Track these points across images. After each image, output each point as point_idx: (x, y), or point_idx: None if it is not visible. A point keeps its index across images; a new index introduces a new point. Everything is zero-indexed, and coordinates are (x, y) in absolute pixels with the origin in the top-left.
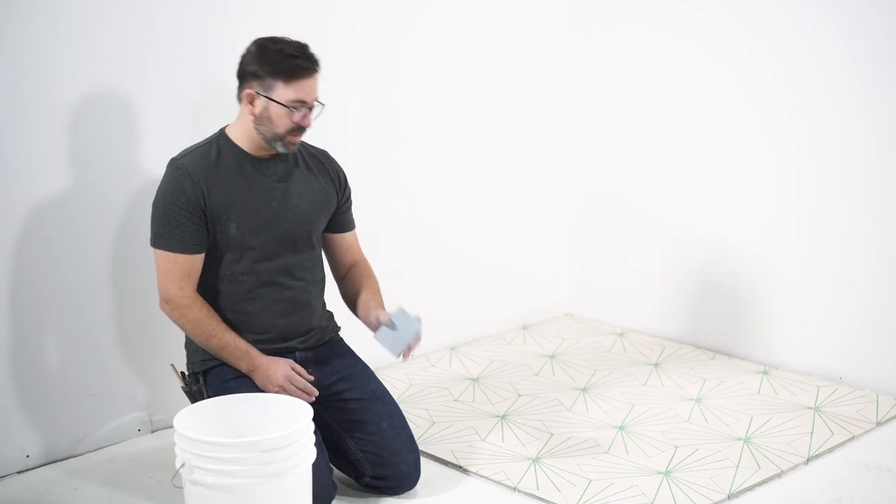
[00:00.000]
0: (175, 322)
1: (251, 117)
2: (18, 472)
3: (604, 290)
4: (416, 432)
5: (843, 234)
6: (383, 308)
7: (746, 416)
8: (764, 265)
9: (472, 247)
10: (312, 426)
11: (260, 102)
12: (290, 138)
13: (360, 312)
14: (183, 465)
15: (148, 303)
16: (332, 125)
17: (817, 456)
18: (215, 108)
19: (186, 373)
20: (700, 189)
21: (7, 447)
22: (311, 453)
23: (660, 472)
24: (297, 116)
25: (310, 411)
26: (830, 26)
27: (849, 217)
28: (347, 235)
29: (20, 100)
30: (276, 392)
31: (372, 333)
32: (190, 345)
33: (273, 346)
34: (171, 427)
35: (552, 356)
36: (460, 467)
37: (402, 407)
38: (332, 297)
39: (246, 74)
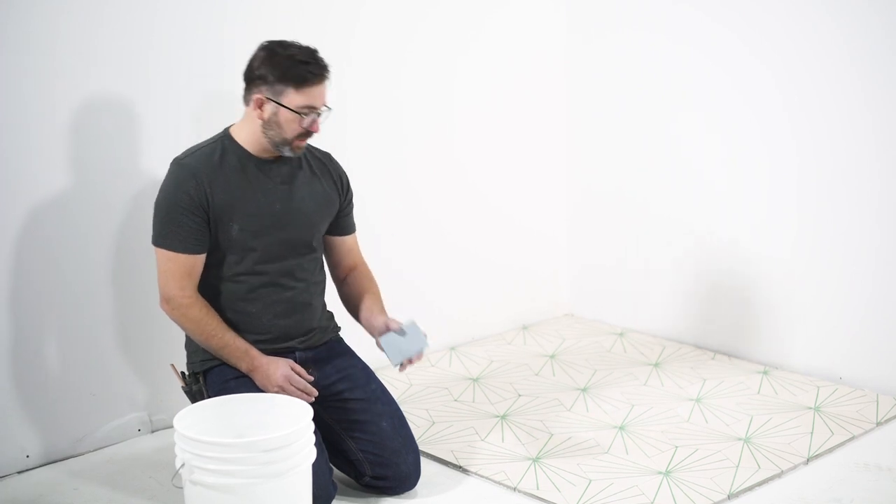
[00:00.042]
0: (175, 321)
1: (259, 121)
2: (18, 472)
3: (604, 290)
4: (416, 432)
5: (843, 234)
6: (386, 315)
7: (746, 416)
8: (764, 265)
9: (472, 247)
10: (312, 426)
11: (269, 107)
12: (297, 143)
13: (362, 315)
14: (183, 465)
15: (148, 303)
16: (332, 125)
17: (817, 456)
18: (215, 108)
19: (186, 373)
20: (700, 189)
21: (7, 447)
22: (311, 453)
23: (660, 472)
24: (306, 122)
25: (310, 411)
26: (830, 26)
27: (849, 217)
28: (348, 238)
29: (20, 100)
30: (276, 392)
31: (373, 337)
32: (190, 345)
33: (273, 346)
34: (171, 427)
35: (552, 356)
36: (460, 467)
37: (402, 407)
38: (333, 298)
39: (254, 78)
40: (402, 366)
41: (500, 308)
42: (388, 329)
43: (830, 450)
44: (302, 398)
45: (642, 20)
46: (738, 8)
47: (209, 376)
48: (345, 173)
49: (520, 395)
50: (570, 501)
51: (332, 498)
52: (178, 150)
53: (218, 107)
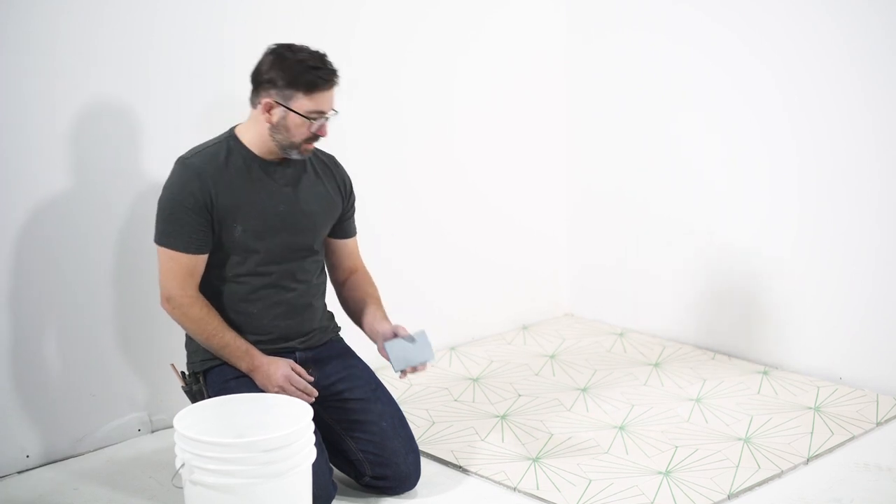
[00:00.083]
0: (176, 320)
1: (267, 125)
2: (18, 472)
3: (604, 290)
4: (416, 432)
5: (843, 234)
6: (390, 321)
7: (746, 416)
8: (764, 265)
9: (472, 247)
10: (312, 426)
11: (278, 112)
12: (305, 146)
13: (366, 320)
14: (183, 465)
15: (148, 303)
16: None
17: (817, 456)
18: (215, 108)
19: (186, 372)
20: (700, 189)
21: (7, 447)
22: (311, 453)
23: (660, 472)
24: (314, 126)
25: (310, 411)
26: (830, 26)
27: (849, 217)
28: (349, 241)
29: (20, 100)
30: (276, 392)
31: (374, 342)
32: (190, 344)
33: (274, 347)
34: (171, 427)
35: (552, 356)
36: (460, 467)
37: (402, 407)
38: (332, 298)
39: (263, 82)
40: (404, 373)
41: (500, 308)
42: (394, 335)
43: (830, 450)
44: (302, 398)
45: (642, 20)
46: (738, 8)
47: (209, 376)
48: (349, 177)
49: (520, 395)
50: (570, 501)
51: (332, 498)
52: (179, 150)
53: (218, 107)
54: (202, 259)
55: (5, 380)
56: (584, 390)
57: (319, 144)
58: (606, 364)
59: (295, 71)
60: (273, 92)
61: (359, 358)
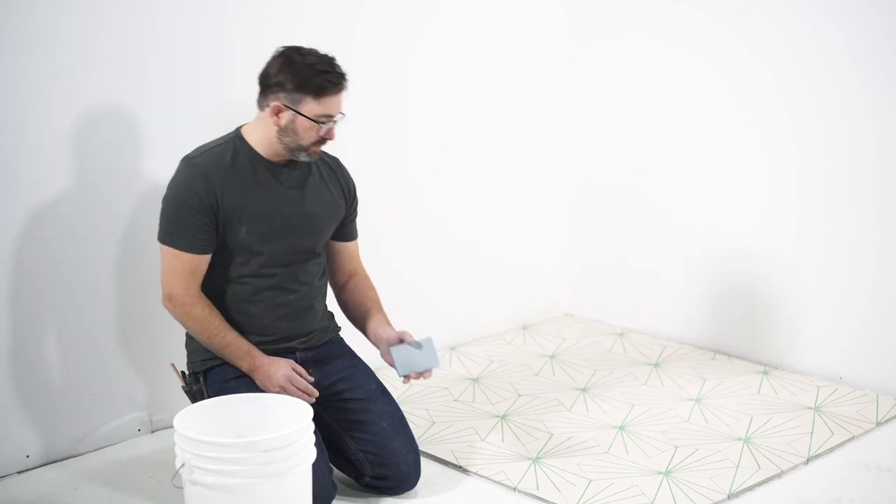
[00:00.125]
0: (177, 319)
1: (275, 128)
2: (18, 472)
3: (604, 290)
4: (416, 432)
5: (843, 235)
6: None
7: (746, 416)
8: (764, 265)
9: (472, 247)
10: (312, 426)
11: (286, 115)
12: (313, 149)
13: (371, 325)
14: (183, 465)
15: (148, 303)
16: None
17: (817, 456)
18: (216, 108)
19: (186, 372)
20: (700, 189)
21: (7, 447)
22: (311, 453)
23: (660, 472)
24: (323, 130)
25: (310, 411)
26: (830, 26)
27: (849, 217)
28: (350, 245)
29: (20, 100)
30: (277, 392)
31: (376, 346)
32: (190, 344)
33: (275, 347)
34: (171, 427)
35: (552, 356)
36: (460, 467)
37: (402, 407)
38: (332, 299)
39: (271, 85)
40: (408, 378)
41: (500, 308)
42: (400, 341)
43: (830, 450)
44: (303, 398)
45: (642, 20)
46: (738, 8)
47: (209, 376)
48: (352, 181)
49: (520, 395)
50: (570, 501)
51: (332, 498)
52: (179, 150)
53: (218, 107)
54: (205, 259)
55: (5, 380)
56: (584, 390)
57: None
58: (606, 364)
59: (304, 75)
60: (282, 95)
61: (359, 358)
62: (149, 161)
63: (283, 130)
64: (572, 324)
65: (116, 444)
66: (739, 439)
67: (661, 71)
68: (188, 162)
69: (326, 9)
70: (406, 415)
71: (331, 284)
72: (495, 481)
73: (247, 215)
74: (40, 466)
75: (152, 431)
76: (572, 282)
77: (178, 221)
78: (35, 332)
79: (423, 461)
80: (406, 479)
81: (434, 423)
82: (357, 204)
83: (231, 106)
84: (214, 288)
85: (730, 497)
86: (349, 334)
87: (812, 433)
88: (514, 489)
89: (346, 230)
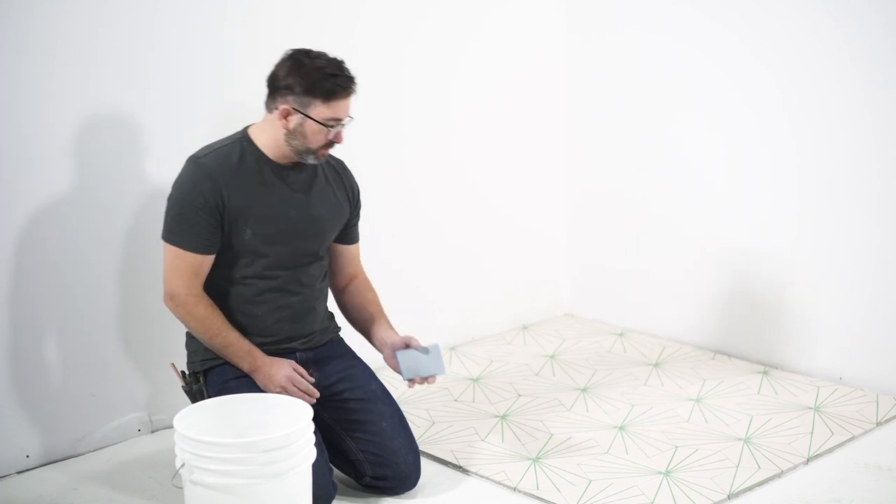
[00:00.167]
0: (178, 318)
1: (284, 131)
2: (18, 472)
3: (604, 290)
4: (416, 432)
5: (843, 234)
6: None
7: (746, 416)
8: (764, 265)
9: (472, 247)
10: (312, 426)
11: (295, 118)
12: (321, 152)
13: (376, 331)
14: (183, 465)
15: (148, 303)
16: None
17: (817, 456)
18: (216, 108)
19: (186, 372)
20: (700, 189)
21: (7, 447)
22: (312, 453)
23: (660, 472)
24: (331, 134)
25: (310, 411)
26: (830, 26)
27: (849, 217)
28: (351, 248)
29: (20, 100)
30: (278, 392)
31: (380, 351)
32: (190, 344)
33: (275, 348)
34: (171, 427)
35: (552, 356)
36: (460, 467)
37: (402, 407)
38: (332, 301)
39: (280, 87)
40: (413, 381)
41: (500, 308)
42: (406, 346)
43: (830, 450)
44: (304, 399)
45: (642, 20)
46: (738, 8)
47: (209, 376)
48: (357, 184)
49: (520, 395)
50: (570, 501)
51: (332, 498)
52: (179, 150)
53: (219, 107)
54: (209, 259)
55: (5, 380)
56: (584, 390)
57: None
58: (606, 364)
59: (313, 78)
60: (290, 98)
61: (359, 358)
62: (148, 161)
63: (291, 133)
64: (572, 324)
65: (116, 444)
66: (739, 439)
67: (661, 71)
68: (195, 162)
69: (326, 9)
70: (406, 415)
71: (331, 286)
72: (495, 481)
73: (252, 217)
74: (40, 466)
75: (152, 431)
76: (572, 282)
77: (183, 221)
78: (35, 333)
79: (423, 461)
80: (406, 479)
81: (434, 423)
82: (360, 207)
83: (231, 106)
84: (217, 288)
85: (730, 497)
86: (349, 334)
87: (812, 433)
88: (514, 489)
89: (349, 233)
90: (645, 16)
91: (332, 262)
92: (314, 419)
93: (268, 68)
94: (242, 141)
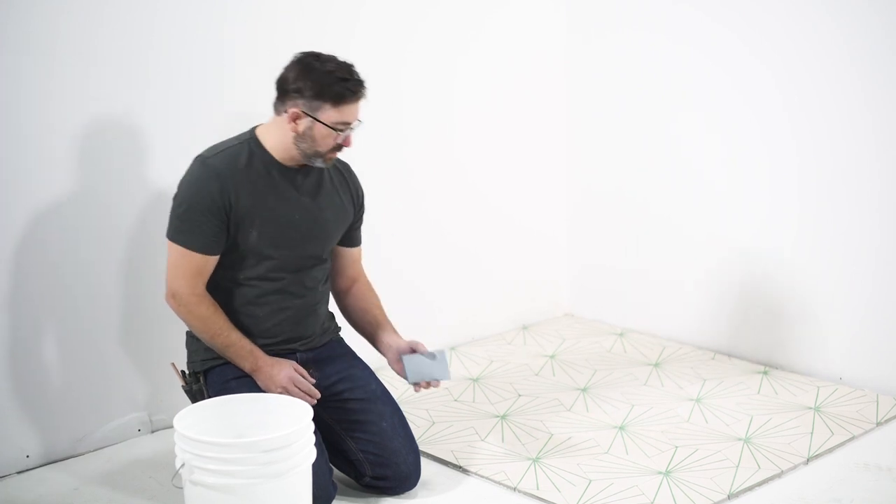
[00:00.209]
0: (180, 317)
1: (293, 134)
2: (18, 472)
3: (604, 290)
4: (416, 432)
5: (843, 234)
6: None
7: (746, 416)
8: (764, 265)
9: (472, 247)
10: (312, 426)
11: (304, 122)
12: (329, 155)
13: (382, 336)
14: (183, 465)
15: (148, 303)
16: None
17: (817, 456)
18: (216, 108)
19: (187, 372)
20: (700, 189)
21: (7, 447)
22: (312, 453)
23: (660, 472)
24: (340, 137)
25: (310, 411)
26: (830, 26)
27: (849, 217)
28: (354, 250)
29: (19, 100)
30: (279, 393)
31: (384, 355)
32: (191, 344)
33: (275, 348)
34: (171, 427)
35: (552, 356)
36: (460, 467)
37: (402, 407)
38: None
39: (289, 91)
40: (418, 385)
41: (500, 308)
42: (412, 351)
43: (830, 450)
44: (305, 400)
45: (642, 20)
46: (738, 8)
47: (210, 376)
48: (361, 187)
49: (520, 395)
50: (570, 501)
51: (332, 498)
52: (179, 150)
53: (218, 107)
54: (213, 260)
55: (5, 380)
56: (584, 390)
57: None
58: (606, 364)
59: (323, 82)
60: (300, 102)
61: (359, 358)
62: (148, 161)
63: (300, 136)
64: (572, 324)
65: (116, 444)
66: (739, 439)
67: (661, 71)
68: (203, 162)
69: (326, 9)
70: (406, 415)
71: (332, 289)
72: (495, 481)
73: (259, 219)
74: (40, 466)
75: (152, 431)
76: (572, 282)
77: (189, 221)
78: (35, 333)
79: (423, 461)
80: (406, 479)
81: (434, 423)
82: (364, 211)
83: (231, 106)
84: (219, 288)
85: (730, 497)
86: (350, 335)
87: (812, 433)
88: (514, 489)
89: (352, 236)
90: (645, 16)
91: (334, 264)
92: (314, 419)
93: (268, 68)
94: (250, 142)
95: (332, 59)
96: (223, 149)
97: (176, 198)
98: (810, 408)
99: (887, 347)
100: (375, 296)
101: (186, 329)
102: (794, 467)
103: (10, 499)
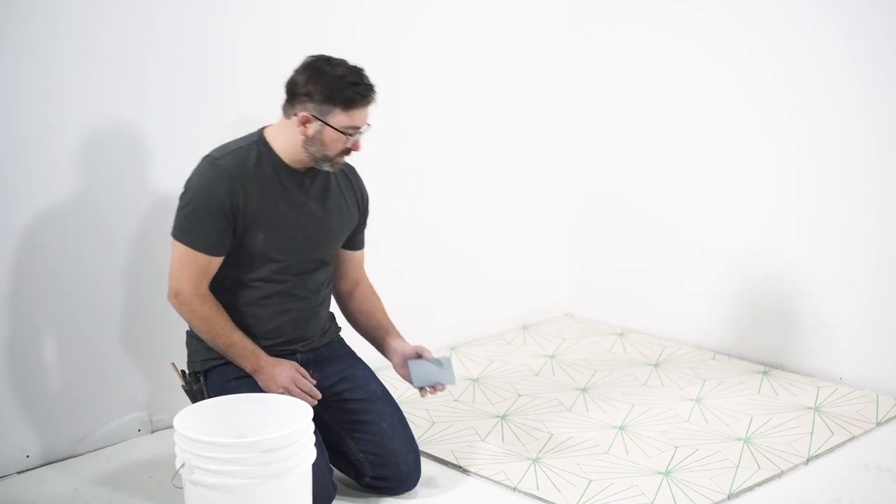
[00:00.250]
0: (182, 316)
1: (302, 137)
2: (18, 472)
3: (604, 290)
4: (416, 432)
5: (843, 234)
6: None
7: (746, 416)
8: (764, 265)
9: (472, 247)
10: (312, 426)
11: (314, 125)
12: (338, 159)
13: (390, 342)
14: (183, 465)
15: (149, 302)
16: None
17: (817, 456)
18: (216, 108)
19: (187, 371)
20: (700, 189)
21: (7, 447)
22: (312, 453)
23: (660, 472)
24: (350, 142)
25: (310, 411)
26: (830, 26)
27: (849, 217)
28: (357, 253)
29: (19, 100)
30: (280, 393)
31: (390, 359)
32: (191, 344)
33: (276, 349)
34: (171, 427)
35: (552, 356)
36: (460, 467)
37: (402, 407)
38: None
39: (299, 94)
40: (424, 390)
41: (500, 308)
42: (418, 355)
43: (830, 450)
44: (306, 400)
45: (642, 20)
46: (738, 8)
47: (210, 376)
48: (366, 191)
49: (520, 395)
50: (570, 501)
51: (332, 498)
52: (179, 151)
53: (218, 107)
54: (218, 260)
55: (5, 380)
56: (584, 390)
57: None
58: (606, 364)
59: (333, 86)
60: (310, 106)
61: (359, 358)
62: (148, 161)
63: (309, 140)
64: (572, 324)
65: (116, 444)
66: (739, 439)
67: (661, 71)
68: (212, 163)
69: (326, 9)
70: (406, 415)
71: (334, 291)
72: (495, 481)
73: (266, 223)
74: (40, 466)
75: (152, 431)
76: (572, 282)
77: (196, 221)
78: (35, 332)
79: (423, 461)
80: (406, 479)
81: (434, 423)
82: (368, 214)
83: (231, 106)
84: (222, 287)
85: (730, 497)
86: (350, 335)
87: (812, 433)
88: (514, 489)
89: (356, 239)
90: (645, 16)
91: (336, 267)
92: (314, 420)
93: (268, 68)
94: (259, 144)
95: (342, 63)
96: (232, 150)
97: (183, 196)
98: (810, 408)
99: (887, 347)
100: (378, 299)
101: (187, 329)
102: (794, 467)
103: (10, 499)
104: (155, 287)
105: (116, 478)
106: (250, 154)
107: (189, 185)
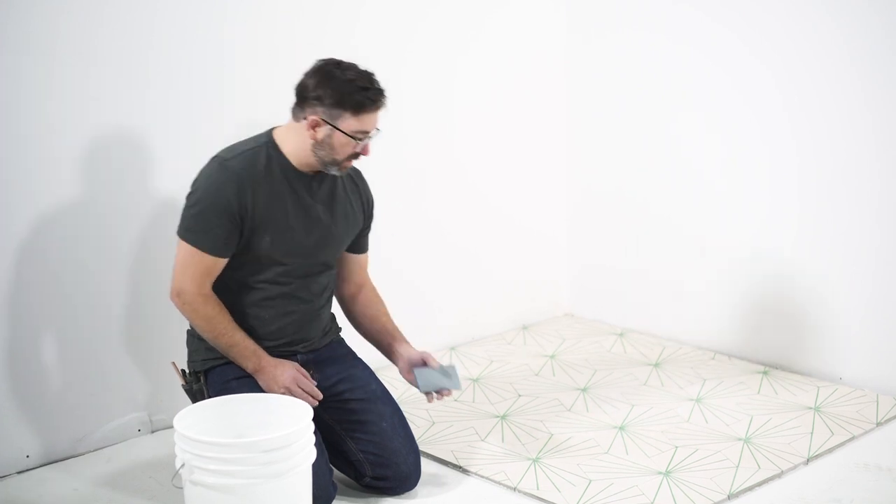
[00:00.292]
0: (184, 315)
1: (311, 141)
2: (18, 472)
3: (604, 290)
4: (416, 432)
5: (843, 234)
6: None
7: (746, 416)
8: (763, 265)
9: (472, 247)
10: (312, 426)
11: (324, 129)
12: (346, 163)
13: (396, 346)
14: (183, 465)
15: (149, 302)
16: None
17: (817, 456)
18: (216, 108)
19: (187, 371)
20: (700, 189)
21: (7, 447)
22: (312, 453)
23: (660, 472)
24: (359, 146)
25: (310, 411)
26: (830, 26)
27: (849, 217)
28: (361, 256)
29: (19, 100)
30: (281, 393)
31: (396, 363)
32: (191, 343)
33: (276, 350)
34: (171, 427)
35: (552, 356)
36: (460, 467)
37: (402, 407)
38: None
39: (309, 98)
40: (430, 395)
41: (500, 308)
42: (423, 362)
43: (830, 450)
44: (307, 401)
45: (642, 20)
46: (738, 8)
47: (210, 376)
48: (372, 196)
49: (520, 395)
50: (570, 501)
51: (332, 498)
52: (179, 152)
53: (218, 107)
54: (223, 261)
55: (5, 380)
56: (584, 390)
57: None
58: (606, 364)
59: (343, 91)
60: (320, 109)
61: (359, 359)
62: (148, 161)
63: (318, 144)
64: (572, 324)
65: (116, 444)
66: (739, 439)
67: (661, 71)
68: (222, 164)
69: (326, 9)
70: (406, 415)
71: (337, 294)
72: (495, 481)
73: (274, 226)
74: (40, 466)
75: (152, 431)
76: (572, 282)
77: (203, 221)
78: (35, 332)
79: (423, 461)
80: (406, 479)
81: (434, 423)
82: (373, 218)
83: (231, 105)
84: (226, 288)
85: (730, 497)
86: (350, 335)
87: (812, 433)
88: (514, 489)
89: (360, 242)
90: (645, 16)
91: (340, 270)
92: (314, 420)
93: (268, 69)
94: (269, 146)
95: (352, 67)
96: (242, 151)
97: (190, 196)
98: (810, 408)
99: (887, 347)
100: (382, 302)
101: (187, 328)
102: (794, 467)
103: (10, 499)
104: (155, 287)
105: (116, 478)
106: (260, 156)
107: (197, 185)
